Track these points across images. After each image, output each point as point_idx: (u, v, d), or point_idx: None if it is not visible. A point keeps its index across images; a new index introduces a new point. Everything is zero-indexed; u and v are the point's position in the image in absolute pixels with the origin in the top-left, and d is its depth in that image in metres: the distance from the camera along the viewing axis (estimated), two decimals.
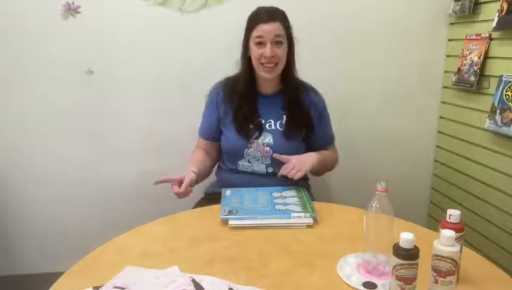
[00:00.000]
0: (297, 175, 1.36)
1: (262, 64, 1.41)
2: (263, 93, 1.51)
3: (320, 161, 1.46)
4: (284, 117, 1.49)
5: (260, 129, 1.47)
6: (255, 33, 1.40)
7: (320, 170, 1.54)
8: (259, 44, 1.40)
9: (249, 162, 1.48)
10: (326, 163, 1.54)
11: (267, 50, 1.38)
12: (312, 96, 1.54)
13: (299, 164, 1.38)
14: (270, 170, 1.48)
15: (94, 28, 1.75)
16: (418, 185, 2.10)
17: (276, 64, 1.42)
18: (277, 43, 1.40)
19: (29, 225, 1.91)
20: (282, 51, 1.42)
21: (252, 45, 1.42)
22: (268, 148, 1.46)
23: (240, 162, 1.49)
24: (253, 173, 1.49)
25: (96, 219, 1.91)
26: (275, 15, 1.41)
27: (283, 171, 1.39)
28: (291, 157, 1.40)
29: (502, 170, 1.59)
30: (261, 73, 1.44)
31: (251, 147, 1.46)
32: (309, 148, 1.54)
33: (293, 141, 1.48)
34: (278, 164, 1.45)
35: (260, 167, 1.48)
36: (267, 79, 1.46)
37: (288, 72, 1.48)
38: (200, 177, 1.47)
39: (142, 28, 1.78)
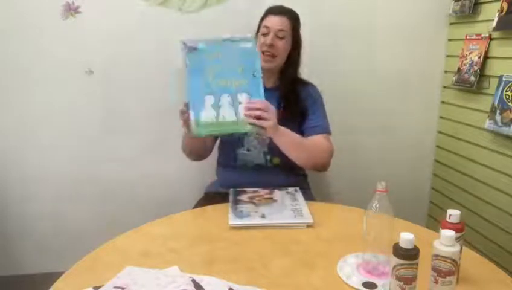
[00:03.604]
0: (260, 121, 1.23)
1: (263, 53, 1.45)
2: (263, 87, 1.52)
3: (291, 134, 1.36)
4: (281, 107, 1.49)
5: None
6: (264, 23, 1.48)
7: (292, 147, 1.37)
8: (265, 34, 1.46)
9: (247, 150, 1.50)
10: (303, 143, 1.41)
11: (268, 38, 1.44)
12: (309, 88, 1.56)
13: (267, 107, 1.25)
14: (268, 157, 1.50)
15: (94, 28, 1.75)
16: (418, 185, 2.10)
17: (274, 56, 1.46)
18: (279, 37, 1.46)
19: (29, 225, 1.91)
20: (282, 45, 1.47)
21: (259, 35, 1.49)
22: (265, 136, 1.46)
23: (238, 151, 1.50)
24: (252, 167, 1.50)
25: (96, 218, 1.91)
26: (286, 11, 1.50)
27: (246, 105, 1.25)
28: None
29: (502, 170, 1.59)
30: (261, 63, 1.45)
31: (250, 135, 1.47)
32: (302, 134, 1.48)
33: (290, 129, 1.47)
34: (276, 150, 1.44)
35: (258, 155, 1.50)
36: (266, 69, 1.47)
37: (288, 68, 1.51)
38: (197, 144, 1.46)
39: (142, 28, 1.78)
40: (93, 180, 1.89)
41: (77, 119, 1.83)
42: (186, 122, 1.25)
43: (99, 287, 0.90)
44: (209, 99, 1.25)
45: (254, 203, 1.31)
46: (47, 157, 1.85)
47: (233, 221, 1.20)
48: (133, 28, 1.78)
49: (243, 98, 1.25)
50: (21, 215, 1.90)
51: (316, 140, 1.45)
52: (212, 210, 1.33)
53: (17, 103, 1.79)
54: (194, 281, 0.92)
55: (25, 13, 1.71)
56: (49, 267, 1.64)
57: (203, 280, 0.92)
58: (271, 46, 1.44)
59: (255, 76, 1.26)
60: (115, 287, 0.90)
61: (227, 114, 1.25)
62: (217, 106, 1.25)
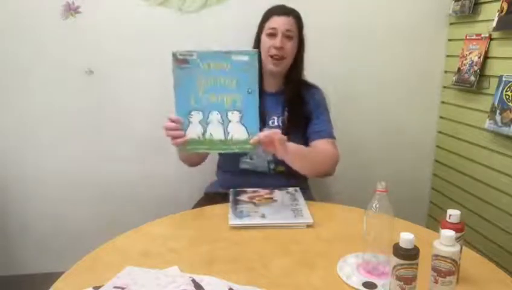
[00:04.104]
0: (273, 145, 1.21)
1: (271, 56, 1.43)
2: (268, 92, 1.50)
3: (298, 149, 1.35)
4: (286, 113, 1.48)
5: (263, 125, 1.46)
6: (268, 24, 1.44)
7: (296, 159, 1.34)
8: (271, 35, 1.43)
9: (251, 158, 1.48)
10: (308, 156, 1.40)
11: (277, 41, 1.41)
12: (313, 91, 1.54)
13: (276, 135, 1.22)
14: (271, 166, 1.48)
15: (94, 28, 1.75)
16: (418, 185, 2.10)
17: (283, 58, 1.44)
18: (288, 37, 1.43)
19: (29, 224, 1.91)
20: (291, 46, 1.44)
21: (263, 37, 1.45)
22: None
23: (242, 158, 1.49)
24: (254, 172, 1.49)
25: (96, 219, 1.91)
26: (290, 11, 1.46)
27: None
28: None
29: (502, 170, 1.59)
30: (269, 66, 1.45)
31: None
32: (306, 139, 1.49)
33: (294, 136, 1.45)
34: (279, 160, 1.45)
35: (262, 164, 1.48)
36: (273, 73, 1.47)
37: (293, 71, 1.50)
38: (192, 155, 1.44)
39: (142, 28, 1.78)
40: (93, 180, 1.89)
41: (77, 119, 1.83)
42: (175, 138, 1.23)
43: (99, 287, 0.90)
44: (197, 115, 1.21)
45: (254, 203, 1.31)
46: (47, 157, 1.85)
47: (233, 221, 1.20)
48: (133, 28, 1.77)
49: (234, 116, 1.20)
50: (21, 215, 1.90)
51: (321, 147, 1.43)
52: (212, 210, 1.33)
53: (17, 103, 1.79)
54: (194, 281, 0.92)
55: (25, 13, 1.71)
56: (49, 267, 1.65)
57: (203, 280, 0.92)
58: (280, 48, 1.41)
59: (249, 92, 1.17)
60: (115, 287, 0.90)
61: (215, 132, 1.21)
62: (205, 123, 1.21)
